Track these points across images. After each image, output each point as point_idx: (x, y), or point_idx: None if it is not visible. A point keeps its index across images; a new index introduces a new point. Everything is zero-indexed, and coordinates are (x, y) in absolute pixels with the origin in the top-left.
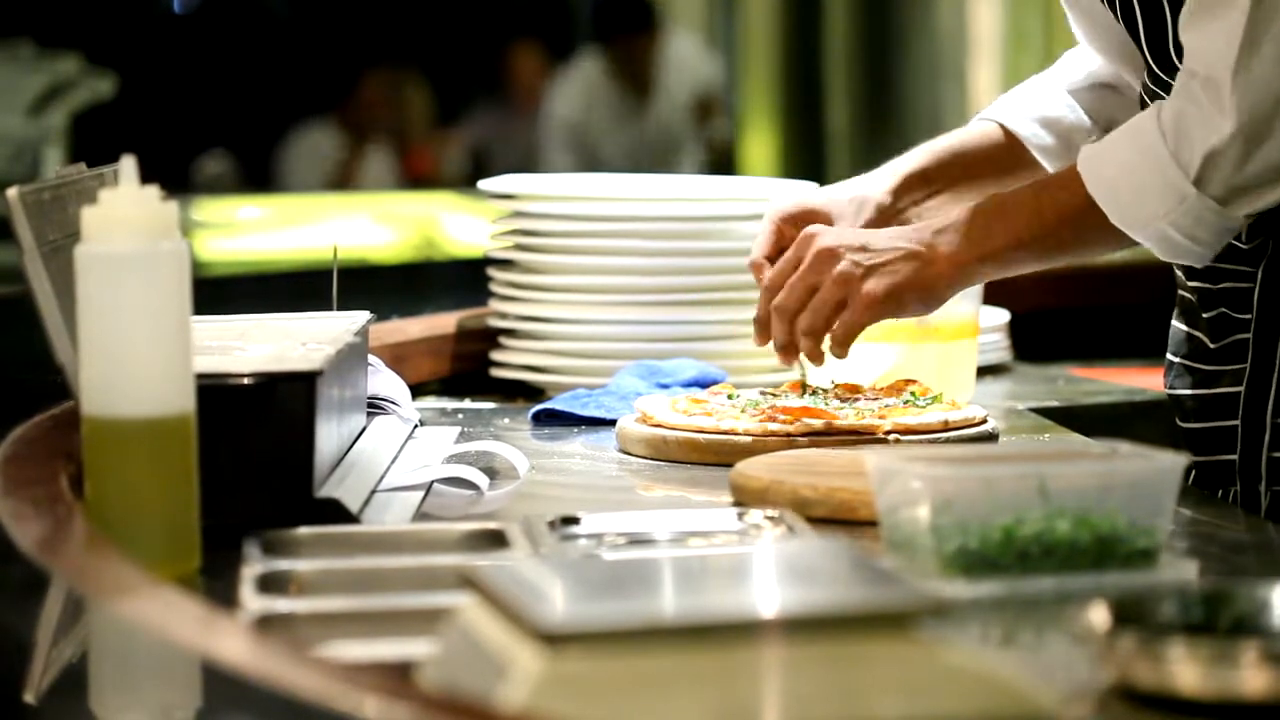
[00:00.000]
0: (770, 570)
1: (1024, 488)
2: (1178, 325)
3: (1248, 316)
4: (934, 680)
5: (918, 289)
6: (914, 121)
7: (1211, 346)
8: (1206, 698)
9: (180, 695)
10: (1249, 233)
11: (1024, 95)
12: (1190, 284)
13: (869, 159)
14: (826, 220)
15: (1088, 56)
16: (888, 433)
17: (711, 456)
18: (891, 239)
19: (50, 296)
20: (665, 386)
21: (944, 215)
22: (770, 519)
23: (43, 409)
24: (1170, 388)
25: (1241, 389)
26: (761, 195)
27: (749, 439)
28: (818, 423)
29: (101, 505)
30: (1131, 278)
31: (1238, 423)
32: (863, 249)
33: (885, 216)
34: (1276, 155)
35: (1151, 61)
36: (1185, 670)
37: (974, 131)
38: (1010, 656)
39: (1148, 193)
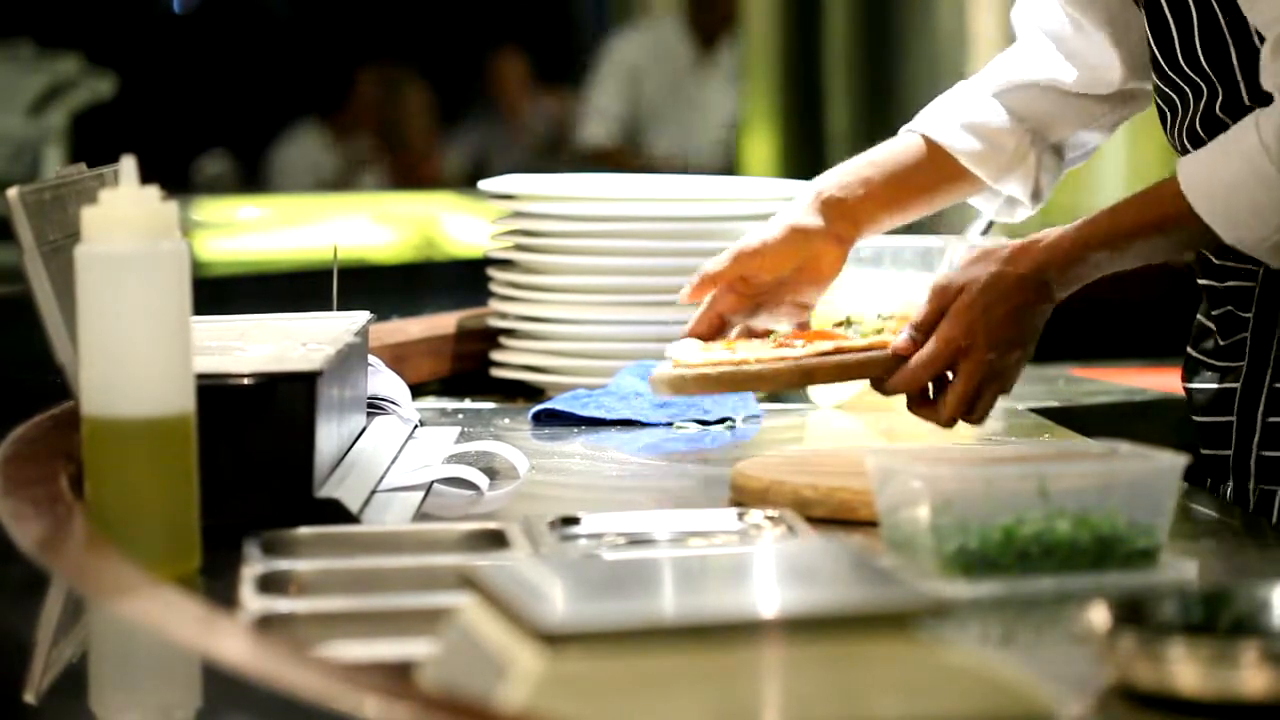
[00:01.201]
0: (770, 570)
1: (1024, 488)
2: (1201, 320)
3: (1249, 315)
4: (934, 680)
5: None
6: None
7: (1221, 343)
8: (1206, 698)
9: (180, 695)
10: None
11: (948, 103)
12: (1201, 281)
13: None
14: (763, 266)
15: (1020, 57)
16: (897, 349)
17: (725, 386)
18: (1019, 317)
19: (50, 296)
20: None
21: (1047, 248)
22: (770, 519)
23: (43, 409)
24: (1186, 380)
25: (1238, 385)
26: (761, 195)
27: (759, 366)
28: (827, 344)
29: (101, 505)
30: (1132, 277)
31: (1233, 419)
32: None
33: (822, 238)
34: None
35: (1164, 63)
36: (1185, 670)
37: (897, 145)
38: (1010, 656)
39: (1261, 212)
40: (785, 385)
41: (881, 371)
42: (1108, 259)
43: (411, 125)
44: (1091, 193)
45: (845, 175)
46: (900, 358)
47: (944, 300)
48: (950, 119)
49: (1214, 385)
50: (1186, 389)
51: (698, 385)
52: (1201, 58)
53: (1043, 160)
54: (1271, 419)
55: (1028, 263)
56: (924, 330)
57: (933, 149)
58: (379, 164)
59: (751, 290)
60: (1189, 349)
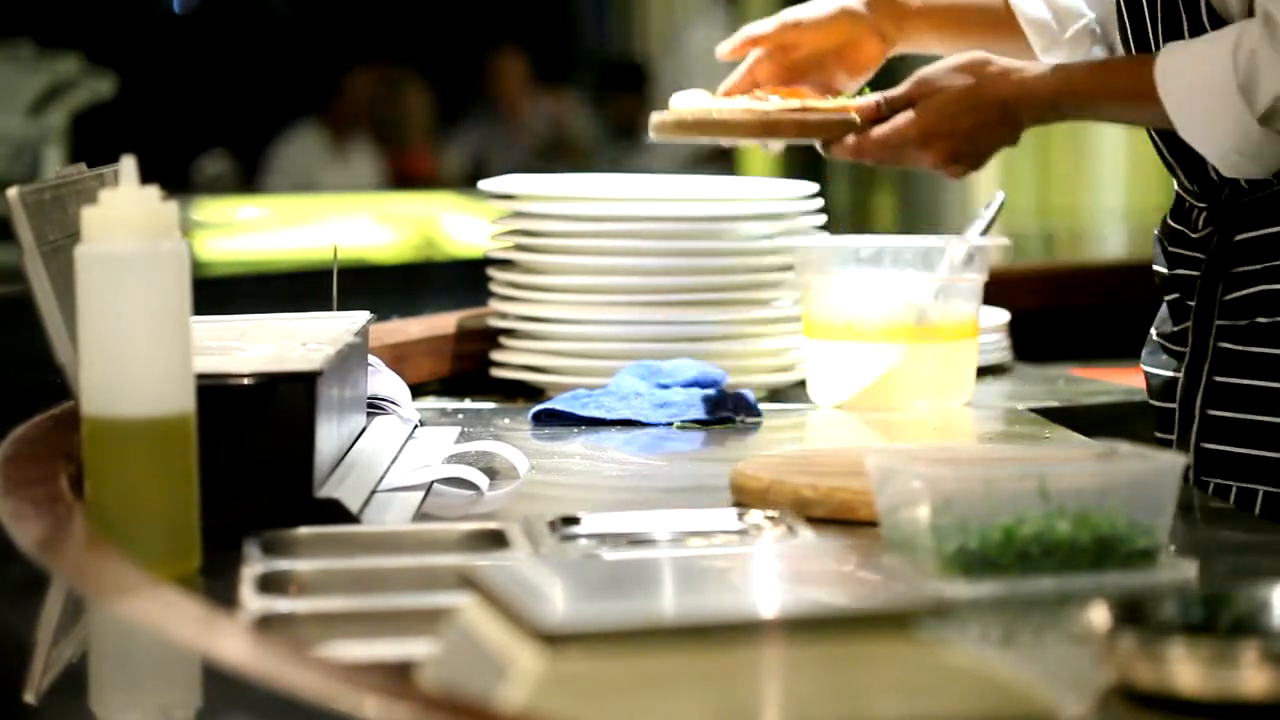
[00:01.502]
0: (770, 570)
1: (1024, 488)
2: (1164, 302)
3: (1192, 304)
4: (934, 680)
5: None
6: None
7: (1173, 328)
8: (1206, 698)
9: (180, 695)
10: (1204, 220)
11: None
12: (1154, 268)
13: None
14: (805, 39)
15: None
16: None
17: (694, 131)
18: (986, 129)
19: (50, 296)
20: (665, 387)
21: (1026, 82)
22: (770, 519)
23: (43, 409)
24: (1144, 362)
25: (1181, 374)
26: (761, 195)
27: (725, 115)
28: (795, 103)
29: (101, 505)
30: (1132, 277)
31: (1175, 407)
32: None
33: (868, 27)
34: None
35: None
36: (1185, 670)
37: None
38: (1010, 656)
39: (1215, 120)
40: (747, 135)
41: (838, 135)
42: (1075, 110)
43: (411, 125)
44: (1093, 191)
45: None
46: (859, 129)
47: (920, 92)
48: None
49: (1167, 372)
50: (1144, 372)
51: (673, 129)
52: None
53: (1093, 55)
54: (1210, 411)
55: (1007, 89)
56: (892, 108)
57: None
58: (378, 164)
59: (788, 61)
60: (1151, 330)
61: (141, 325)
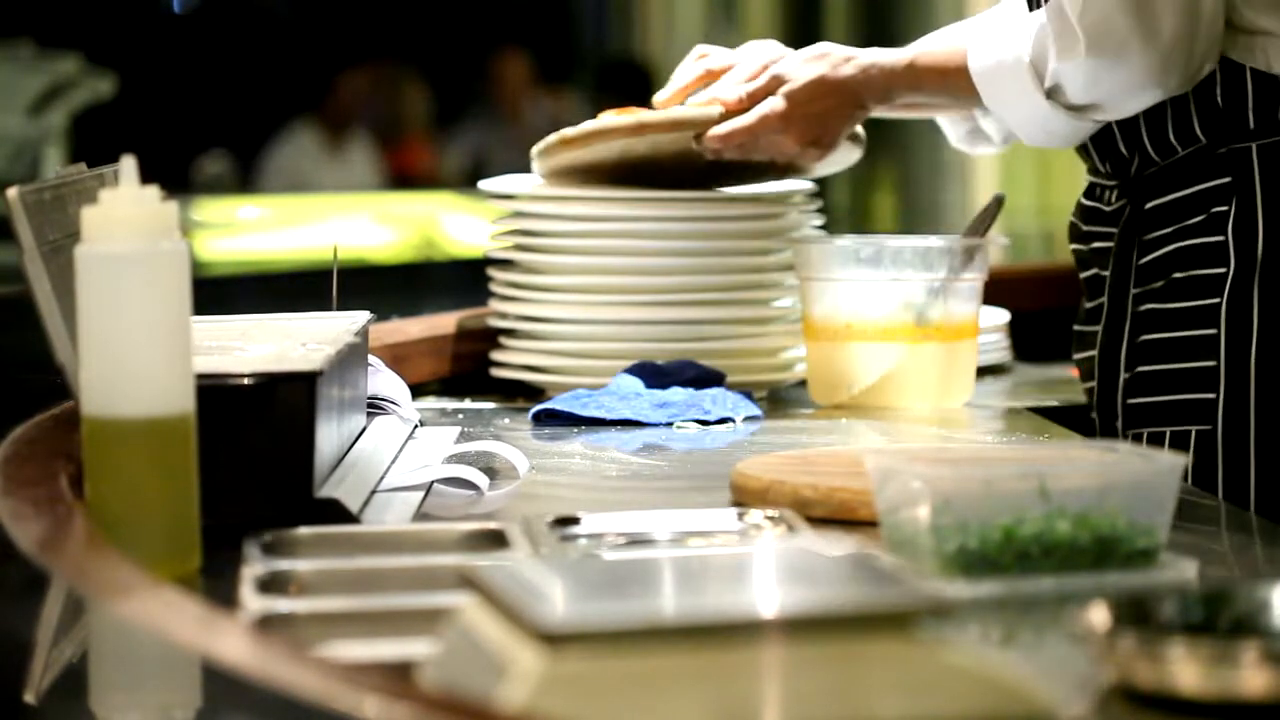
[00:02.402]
0: (770, 570)
1: (1024, 488)
2: (1081, 280)
3: (1108, 274)
4: (934, 680)
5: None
6: (914, 122)
7: (1088, 305)
8: (1206, 698)
9: (180, 695)
10: (1116, 194)
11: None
12: (1072, 247)
13: (869, 160)
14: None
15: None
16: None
17: (578, 144)
18: (833, 112)
19: (50, 296)
20: (665, 387)
21: (867, 65)
22: (770, 519)
23: (43, 409)
24: (1072, 355)
25: (1099, 342)
26: (761, 195)
27: (601, 123)
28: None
29: (101, 505)
30: None
31: (1094, 382)
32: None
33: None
34: (1124, 77)
35: None
36: (1185, 670)
37: (941, 41)
38: (1010, 656)
39: (1011, 94)
40: (623, 137)
41: (705, 129)
42: (912, 91)
43: (409, 124)
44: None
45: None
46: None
47: (776, 84)
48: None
49: (1089, 351)
50: (1075, 361)
51: (558, 147)
52: None
53: None
54: (1138, 368)
55: (848, 71)
56: (753, 100)
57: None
58: (377, 163)
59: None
60: (1074, 325)
61: (141, 325)
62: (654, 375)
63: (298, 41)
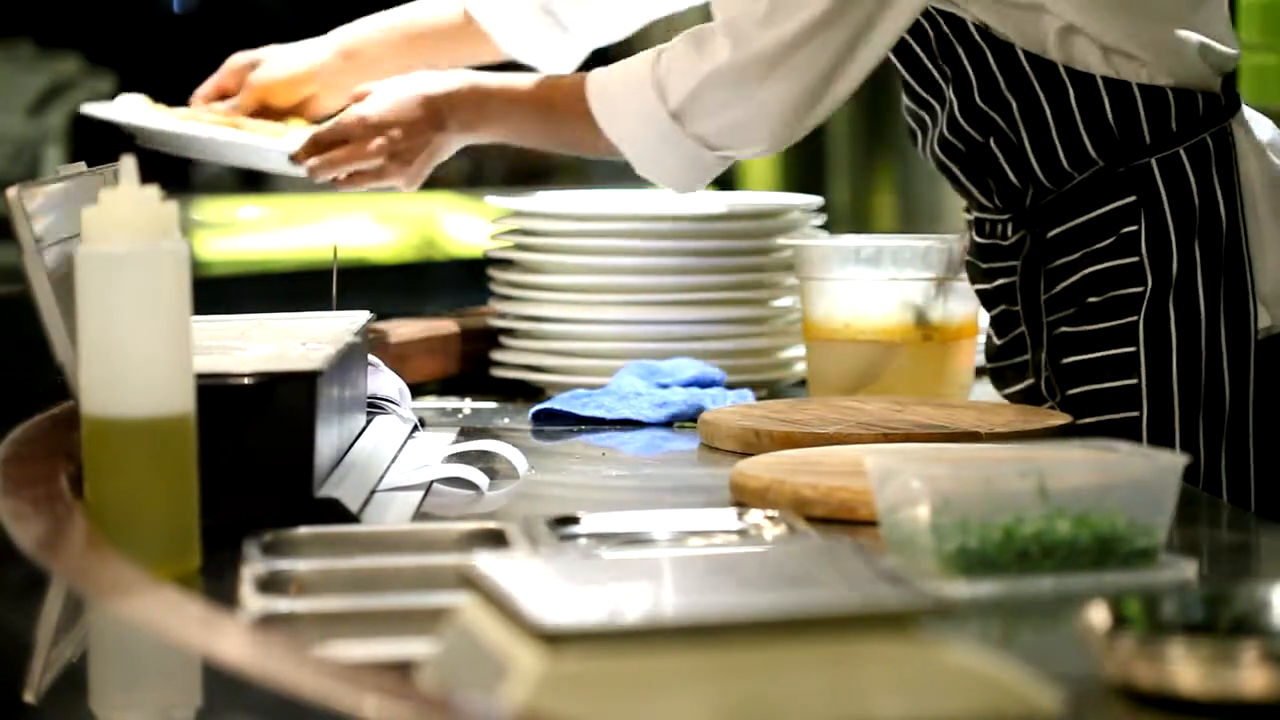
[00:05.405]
0: (770, 570)
1: (1024, 487)
2: (989, 332)
3: (1018, 308)
4: (934, 680)
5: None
6: None
7: (998, 343)
8: (1206, 698)
9: (180, 695)
10: (1012, 227)
11: None
12: (975, 288)
13: (869, 162)
14: (276, 97)
15: None
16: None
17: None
18: (414, 125)
19: (50, 296)
20: (665, 386)
21: (460, 84)
22: (770, 519)
23: (43, 409)
24: (998, 389)
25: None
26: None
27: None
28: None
29: (101, 505)
30: None
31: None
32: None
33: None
34: (754, 108)
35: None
36: (1185, 670)
37: (442, 12)
38: (1010, 656)
39: (633, 115)
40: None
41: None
42: (502, 117)
43: None
44: None
45: (372, 33)
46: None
47: (360, 96)
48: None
49: (1018, 385)
50: (1004, 396)
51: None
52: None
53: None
54: (1067, 392)
55: (434, 90)
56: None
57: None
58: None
59: (260, 102)
60: (988, 363)
61: (141, 325)
62: (654, 375)
63: (297, 41)
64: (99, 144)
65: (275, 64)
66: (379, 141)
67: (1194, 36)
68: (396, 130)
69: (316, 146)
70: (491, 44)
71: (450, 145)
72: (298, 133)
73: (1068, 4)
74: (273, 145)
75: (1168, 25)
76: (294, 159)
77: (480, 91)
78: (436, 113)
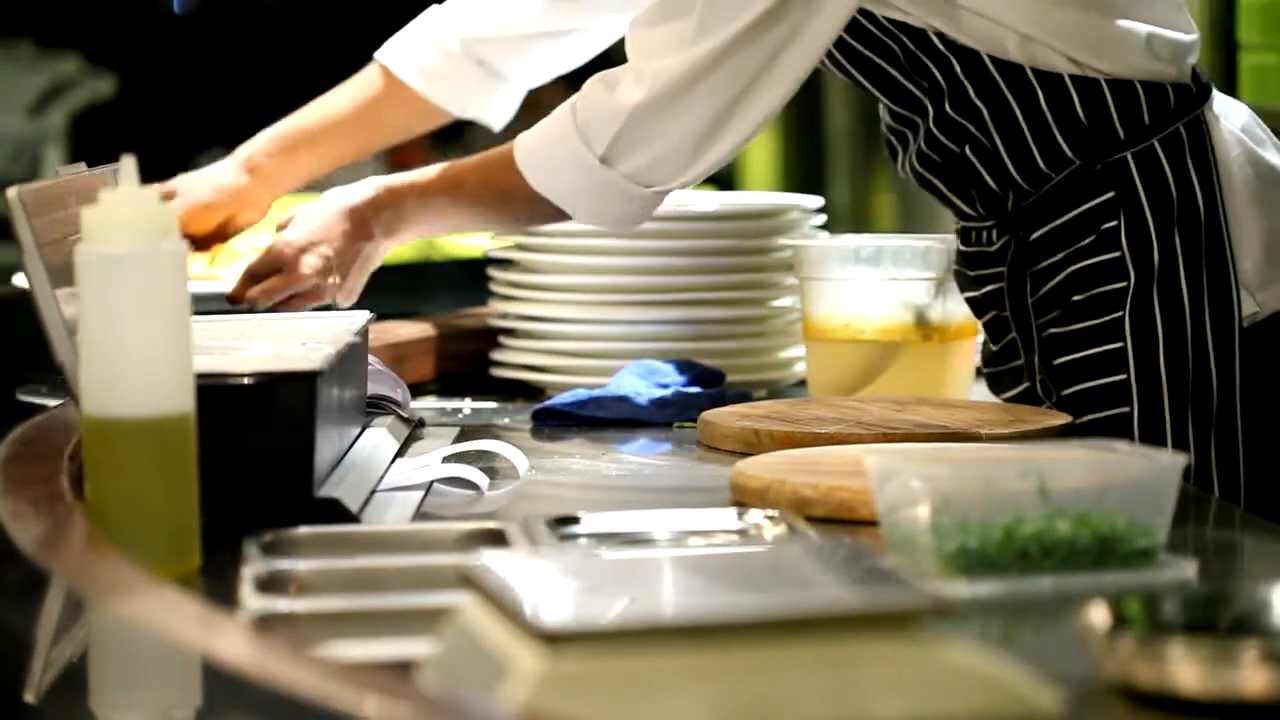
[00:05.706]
0: (769, 570)
1: (1024, 487)
2: (982, 325)
3: (1007, 314)
4: (934, 680)
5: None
6: None
7: (993, 348)
8: (1206, 698)
9: (180, 695)
10: (996, 233)
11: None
12: (964, 296)
13: (869, 162)
14: (193, 225)
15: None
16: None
17: None
18: (342, 239)
19: (50, 296)
20: (665, 386)
21: (374, 191)
22: (770, 519)
23: (42, 409)
24: (995, 394)
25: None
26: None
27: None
28: None
29: (101, 505)
30: None
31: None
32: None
33: (248, 195)
34: (675, 143)
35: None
36: (1185, 670)
37: (350, 98)
38: (1010, 656)
39: (562, 164)
40: None
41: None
42: (421, 207)
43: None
44: None
45: (268, 143)
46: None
47: (289, 217)
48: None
49: (1014, 390)
50: (1002, 400)
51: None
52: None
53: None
54: (1062, 392)
55: (357, 198)
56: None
57: (395, 86)
58: (375, 162)
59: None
60: (982, 367)
61: (141, 325)
62: (654, 375)
63: (297, 41)
64: (99, 144)
65: (187, 194)
66: (310, 261)
67: (1140, 27)
68: (325, 247)
69: (252, 279)
70: (421, 102)
71: (380, 252)
72: (227, 271)
73: (988, 3)
74: (208, 288)
75: (1108, 17)
76: (232, 299)
77: (392, 192)
78: (362, 222)
